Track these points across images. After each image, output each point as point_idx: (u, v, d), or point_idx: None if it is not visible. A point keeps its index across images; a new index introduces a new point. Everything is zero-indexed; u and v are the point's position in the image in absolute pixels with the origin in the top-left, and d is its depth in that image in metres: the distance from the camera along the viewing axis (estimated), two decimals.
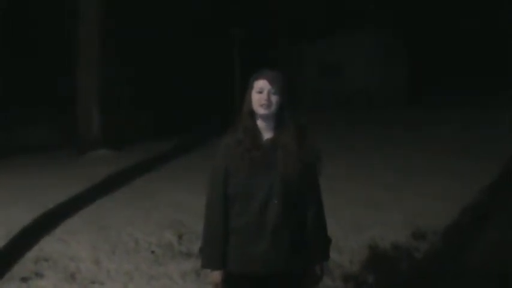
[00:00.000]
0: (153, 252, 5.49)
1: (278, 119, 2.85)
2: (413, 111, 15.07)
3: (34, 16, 17.06)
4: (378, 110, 15.78)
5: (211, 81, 18.27)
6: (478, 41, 19.52)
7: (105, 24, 11.52)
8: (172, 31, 17.66)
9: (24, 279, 4.96)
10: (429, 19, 19.48)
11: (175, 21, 17.96)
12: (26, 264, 5.24)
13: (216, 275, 2.85)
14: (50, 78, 15.98)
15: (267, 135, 2.86)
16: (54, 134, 13.80)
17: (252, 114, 2.85)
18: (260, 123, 2.86)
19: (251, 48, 17.04)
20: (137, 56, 16.53)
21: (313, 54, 19.06)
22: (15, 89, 16.12)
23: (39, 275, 5.05)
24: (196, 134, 12.82)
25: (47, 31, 16.45)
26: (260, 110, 2.81)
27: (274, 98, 2.80)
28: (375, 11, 19.37)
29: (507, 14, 18.80)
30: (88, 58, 11.36)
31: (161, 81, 17.50)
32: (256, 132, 2.84)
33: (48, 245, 5.63)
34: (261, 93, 2.80)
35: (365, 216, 6.33)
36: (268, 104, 2.79)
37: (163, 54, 17.69)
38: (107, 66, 11.64)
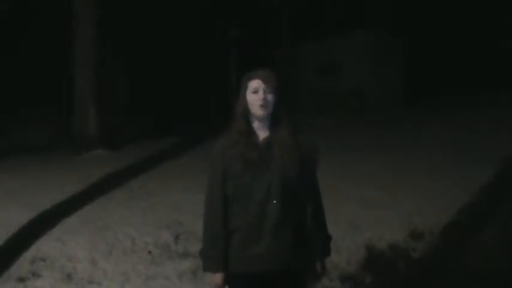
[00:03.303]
0: (150, 252, 5.49)
1: (273, 118, 2.85)
2: (412, 112, 15.07)
3: (33, 16, 17.04)
4: (376, 110, 15.78)
5: (210, 81, 18.28)
6: (478, 41, 19.52)
7: (102, 25, 11.52)
8: (171, 30, 17.65)
9: (21, 279, 4.96)
10: (428, 20, 19.49)
11: (175, 21, 17.95)
12: (23, 264, 5.24)
13: (218, 278, 2.84)
14: (49, 78, 15.96)
15: (262, 134, 2.86)
16: (52, 134, 13.78)
17: (246, 115, 2.85)
18: (255, 123, 2.86)
19: (250, 49, 17.05)
20: (134, 56, 16.52)
21: (311, 54, 19.04)
22: (14, 89, 16.10)
23: (36, 275, 5.05)
24: (193, 134, 12.80)
25: (46, 31, 16.42)
26: (258, 112, 2.80)
27: (269, 97, 2.81)
28: (374, 11, 19.36)
29: (507, 14, 18.80)
30: (85, 58, 11.36)
31: (159, 81, 17.49)
32: (251, 133, 2.84)
33: (45, 245, 5.63)
34: (256, 93, 2.80)
35: (362, 216, 6.33)
36: (265, 104, 2.79)
37: (161, 54, 17.67)
38: (104, 67, 11.63)
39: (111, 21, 12.26)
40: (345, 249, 5.42)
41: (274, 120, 2.85)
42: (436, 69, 18.89)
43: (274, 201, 2.77)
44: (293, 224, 2.82)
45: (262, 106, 2.79)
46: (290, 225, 2.81)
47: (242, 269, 2.81)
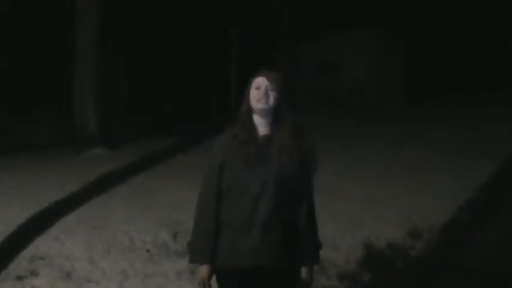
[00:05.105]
0: (148, 251, 5.49)
1: (275, 116, 2.88)
2: (412, 111, 15.07)
3: (34, 16, 17.05)
4: (376, 109, 15.78)
5: (210, 81, 18.28)
6: (478, 41, 19.50)
7: (103, 24, 11.51)
8: (171, 30, 17.65)
9: (19, 278, 4.96)
10: (428, 19, 19.47)
11: (175, 21, 17.96)
12: (21, 262, 5.23)
13: (204, 270, 2.85)
14: (49, 78, 15.96)
15: (263, 131, 2.88)
16: (52, 133, 13.79)
17: (250, 111, 2.89)
18: (257, 119, 2.88)
19: (250, 49, 17.03)
20: (134, 56, 16.52)
21: (311, 54, 19.04)
22: (14, 89, 16.11)
23: (34, 273, 5.04)
24: (193, 134, 12.81)
25: (46, 31, 16.43)
26: (258, 105, 2.84)
27: (271, 94, 2.84)
28: (374, 11, 19.34)
29: (507, 14, 18.78)
30: (85, 58, 11.36)
31: (159, 81, 17.49)
32: (252, 127, 2.87)
33: (43, 244, 5.62)
34: (259, 89, 2.85)
35: (361, 215, 6.33)
36: (265, 100, 2.83)
37: (161, 54, 17.67)
38: (104, 67, 11.62)
39: (112, 21, 12.26)
40: (344, 247, 5.42)
41: (276, 119, 2.88)
42: (436, 68, 18.89)
43: (267, 197, 2.78)
44: (284, 224, 2.82)
45: (260, 100, 2.83)
46: (280, 224, 2.81)
47: (233, 264, 2.81)
